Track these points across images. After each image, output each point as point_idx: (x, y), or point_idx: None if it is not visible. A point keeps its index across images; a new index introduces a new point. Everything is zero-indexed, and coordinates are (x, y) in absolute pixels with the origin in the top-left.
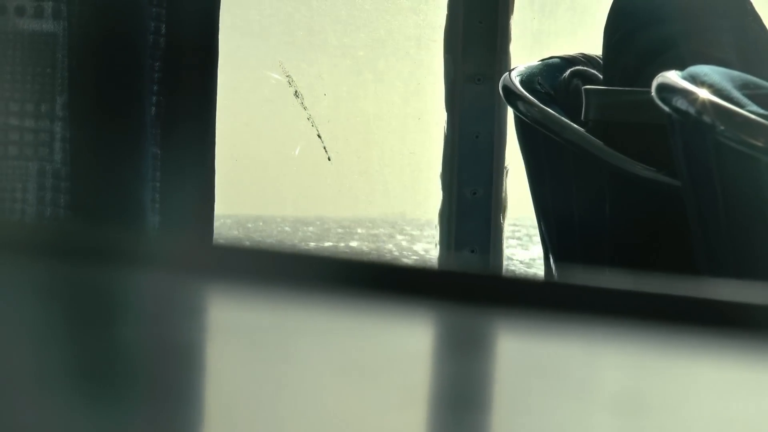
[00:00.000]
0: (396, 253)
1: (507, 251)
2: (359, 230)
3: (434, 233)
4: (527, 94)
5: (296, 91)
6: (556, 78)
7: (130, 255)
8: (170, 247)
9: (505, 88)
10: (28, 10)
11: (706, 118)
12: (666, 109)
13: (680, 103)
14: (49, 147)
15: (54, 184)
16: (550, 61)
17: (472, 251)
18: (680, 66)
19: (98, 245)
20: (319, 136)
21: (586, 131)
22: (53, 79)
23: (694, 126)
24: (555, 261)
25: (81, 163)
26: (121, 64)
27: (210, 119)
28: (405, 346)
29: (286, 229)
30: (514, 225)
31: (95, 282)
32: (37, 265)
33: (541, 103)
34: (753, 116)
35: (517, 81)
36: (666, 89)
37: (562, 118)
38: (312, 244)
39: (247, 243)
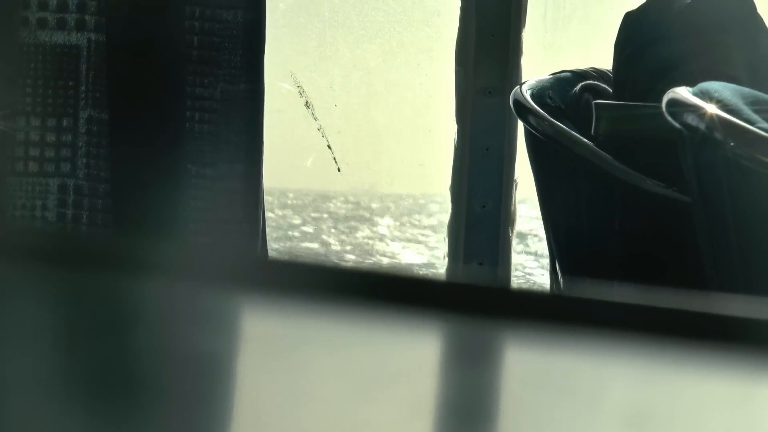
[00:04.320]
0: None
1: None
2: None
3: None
4: (538, 108)
5: (307, 102)
6: (567, 92)
7: (167, 267)
8: (208, 259)
9: (516, 101)
10: (50, 22)
11: (716, 135)
12: (676, 125)
13: (690, 119)
14: (72, 162)
15: (76, 200)
16: (561, 75)
17: (481, 264)
18: (691, 82)
19: (138, 257)
20: (329, 147)
21: (596, 146)
22: (77, 92)
23: (704, 142)
24: (563, 274)
25: (122, 179)
26: (159, 75)
27: (256, 134)
28: (414, 357)
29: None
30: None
31: (133, 293)
32: (68, 275)
33: (551, 117)
34: (763, 133)
35: (527, 95)
36: (676, 105)
37: (573, 132)
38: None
39: (273, 256)
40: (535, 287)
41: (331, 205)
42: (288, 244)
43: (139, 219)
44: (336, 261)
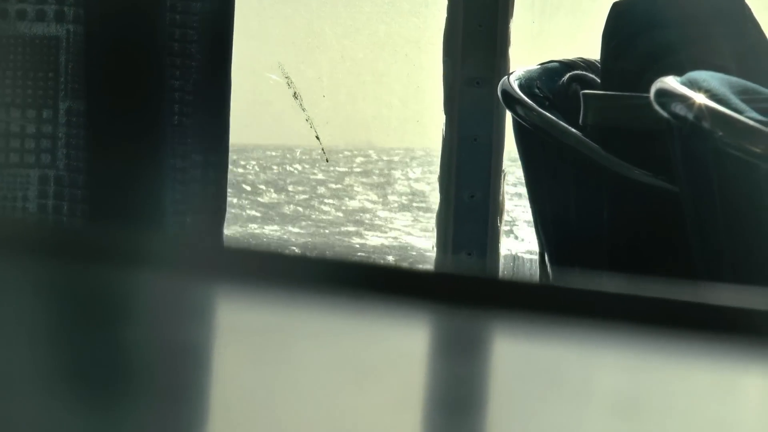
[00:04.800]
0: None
1: None
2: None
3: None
4: (526, 99)
5: (295, 93)
6: (555, 82)
7: (144, 258)
8: (181, 249)
9: (504, 92)
10: (30, 13)
11: (705, 124)
12: (664, 114)
13: (679, 109)
14: (52, 153)
15: (57, 191)
16: (549, 65)
17: (469, 254)
18: (679, 72)
19: (114, 247)
20: (317, 138)
21: (584, 136)
22: (56, 83)
23: (692, 132)
24: (551, 264)
25: (101, 170)
26: (138, 68)
27: (224, 125)
28: (402, 348)
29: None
30: None
31: (107, 284)
32: (45, 266)
33: (539, 107)
34: (751, 122)
35: (515, 85)
36: (665, 95)
37: (561, 122)
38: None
39: (254, 246)
40: (523, 277)
41: (341, 157)
42: (337, 202)
43: (114, 209)
44: (322, 251)
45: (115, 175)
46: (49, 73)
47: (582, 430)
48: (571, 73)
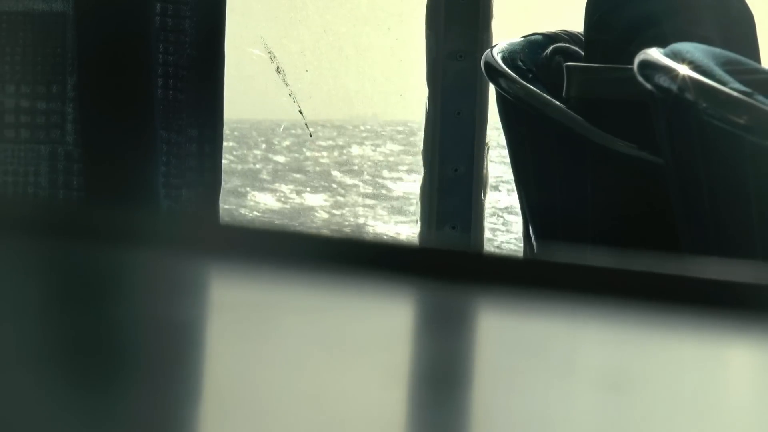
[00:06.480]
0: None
1: None
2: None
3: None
4: (509, 71)
5: (278, 68)
6: (538, 55)
7: (140, 235)
8: (176, 227)
9: (487, 64)
10: None
11: (688, 96)
12: (648, 86)
13: (662, 81)
14: (61, 129)
15: (66, 166)
16: (532, 38)
17: (453, 228)
18: (662, 44)
19: (109, 225)
20: (300, 112)
21: (568, 108)
22: (64, 59)
23: (676, 103)
24: (536, 238)
25: (94, 145)
26: (130, 46)
27: (218, 100)
28: (388, 323)
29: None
30: None
31: (103, 261)
32: (44, 244)
33: (522, 80)
34: (735, 93)
35: (498, 58)
36: (648, 66)
37: (544, 95)
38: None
39: (245, 223)
40: (507, 252)
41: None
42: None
43: (111, 185)
44: (309, 228)
45: (111, 150)
46: (56, 48)
47: (569, 404)
48: (554, 46)
